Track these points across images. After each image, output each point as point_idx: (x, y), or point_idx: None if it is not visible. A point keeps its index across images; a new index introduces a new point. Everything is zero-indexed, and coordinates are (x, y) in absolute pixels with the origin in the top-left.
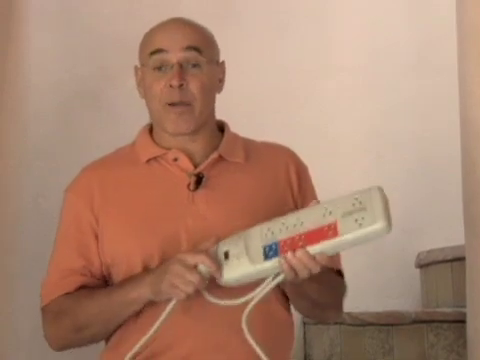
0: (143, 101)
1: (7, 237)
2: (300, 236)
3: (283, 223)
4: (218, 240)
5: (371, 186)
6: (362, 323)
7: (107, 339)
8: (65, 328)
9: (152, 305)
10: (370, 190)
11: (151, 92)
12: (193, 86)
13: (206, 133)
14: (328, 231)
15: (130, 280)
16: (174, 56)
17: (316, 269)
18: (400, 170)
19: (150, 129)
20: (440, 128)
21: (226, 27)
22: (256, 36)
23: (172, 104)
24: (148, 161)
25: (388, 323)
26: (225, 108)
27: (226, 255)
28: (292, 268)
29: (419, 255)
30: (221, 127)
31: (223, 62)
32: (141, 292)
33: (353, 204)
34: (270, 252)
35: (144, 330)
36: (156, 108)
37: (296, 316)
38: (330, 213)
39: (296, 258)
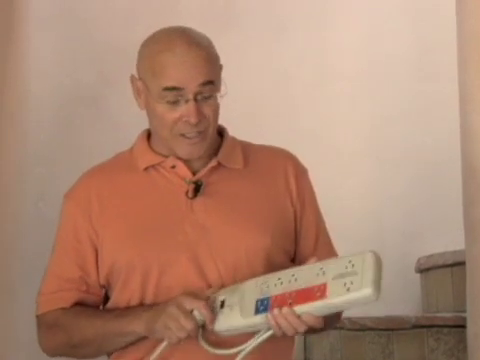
0: None
1: (7, 241)
2: (290, 294)
3: (279, 278)
4: (220, 287)
5: (367, 251)
6: (362, 328)
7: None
8: (59, 343)
9: None
10: (365, 254)
11: (162, 120)
12: (209, 115)
13: None
14: (317, 292)
15: (127, 313)
16: (190, 91)
17: (302, 329)
18: (400, 175)
19: (148, 135)
20: (440, 133)
21: (226, 33)
22: (256, 42)
23: (185, 136)
24: (146, 169)
25: (388, 328)
26: (224, 114)
27: (222, 304)
28: (278, 325)
29: (419, 260)
30: (220, 132)
31: (221, 66)
32: (136, 327)
33: (346, 267)
34: (261, 307)
35: (145, 345)
36: (165, 135)
37: None
38: (323, 273)
39: (282, 316)
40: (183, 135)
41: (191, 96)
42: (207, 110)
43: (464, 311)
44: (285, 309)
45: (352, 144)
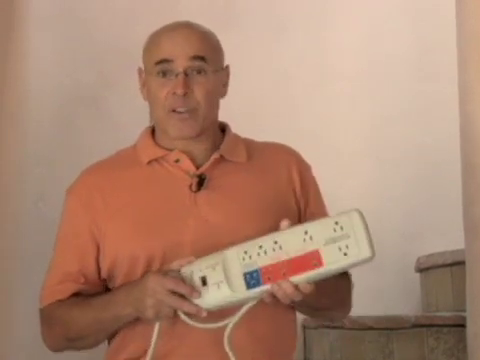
0: (142, 106)
1: (7, 241)
2: (282, 263)
3: (261, 246)
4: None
5: (350, 209)
6: (362, 327)
7: (109, 340)
8: (57, 336)
9: None
10: (350, 214)
11: (155, 98)
12: (198, 93)
13: (209, 135)
14: (312, 260)
15: (115, 299)
16: (180, 65)
17: (299, 298)
18: (400, 175)
19: (152, 131)
20: (440, 133)
21: (226, 33)
22: (256, 42)
23: (176, 110)
24: (149, 162)
25: (388, 327)
26: (225, 113)
27: (204, 281)
28: (274, 296)
29: (419, 259)
30: (222, 128)
31: (227, 66)
32: (128, 312)
33: (334, 230)
34: (252, 280)
35: (143, 335)
36: (160, 113)
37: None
38: (311, 238)
39: (281, 289)
40: (174, 111)
41: (181, 69)
42: (197, 88)
43: (464, 310)
44: (285, 283)
45: (352, 144)
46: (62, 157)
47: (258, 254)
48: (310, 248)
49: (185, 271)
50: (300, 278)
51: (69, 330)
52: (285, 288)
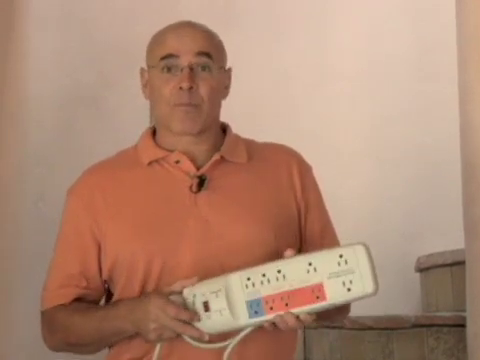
0: (142, 106)
1: (7, 241)
2: (285, 294)
3: (264, 275)
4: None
5: (355, 243)
6: (362, 327)
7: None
8: (58, 340)
9: None
10: (355, 248)
11: (160, 94)
12: (202, 89)
13: (210, 136)
14: (315, 293)
15: (116, 314)
16: (185, 60)
17: (299, 327)
18: (400, 175)
19: (153, 132)
20: (440, 133)
21: (226, 33)
22: (256, 42)
23: (180, 104)
24: (150, 163)
25: (388, 327)
26: (225, 113)
27: (206, 306)
28: (275, 325)
29: (419, 259)
30: (223, 129)
31: (230, 69)
32: (128, 328)
33: (339, 263)
34: (254, 309)
35: (143, 345)
36: (164, 109)
37: None
38: (315, 270)
39: (282, 321)
40: (178, 105)
41: (186, 64)
42: (202, 85)
43: (464, 310)
44: (287, 315)
45: (352, 144)
46: (62, 157)
47: (261, 282)
48: (314, 280)
49: (188, 293)
50: (302, 310)
51: (70, 335)
52: (287, 320)
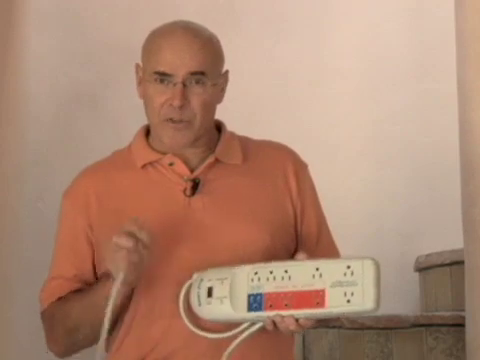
0: (142, 105)
1: (6, 241)
2: (286, 294)
3: (271, 272)
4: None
5: (366, 257)
6: (361, 327)
7: (107, 346)
8: (58, 332)
9: (146, 312)
10: (364, 262)
11: (151, 103)
12: (195, 104)
13: (204, 139)
14: (315, 299)
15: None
16: (179, 77)
17: (298, 330)
18: (399, 175)
19: (147, 132)
20: (439, 133)
21: (226, 33)
22: (256, 42)
23: (170, 120)
24: (144, 166)
25: (387, 327)
26: (225, 113)
27: (209, 292)
28: (274, 324)
29: (418, 259)
30: (218, 127)
31: (227, 72)
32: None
33: (344, 273)
34: (254, 304)
35: (138, 336)
36: (154, 121)
37: None
38: (320, 276)
39: (280, 320)
40: (169, 120)
41: (180, 80)
42: (194, 99)
43: (463, 310)
44: (285, 315)
45: (351, 143)
46: (61, 157)
47: (267, 279)
48: (317, 286)
49: (197, 276)
50: (300, 313)
51: (67, 319)
52: (288, 323)
